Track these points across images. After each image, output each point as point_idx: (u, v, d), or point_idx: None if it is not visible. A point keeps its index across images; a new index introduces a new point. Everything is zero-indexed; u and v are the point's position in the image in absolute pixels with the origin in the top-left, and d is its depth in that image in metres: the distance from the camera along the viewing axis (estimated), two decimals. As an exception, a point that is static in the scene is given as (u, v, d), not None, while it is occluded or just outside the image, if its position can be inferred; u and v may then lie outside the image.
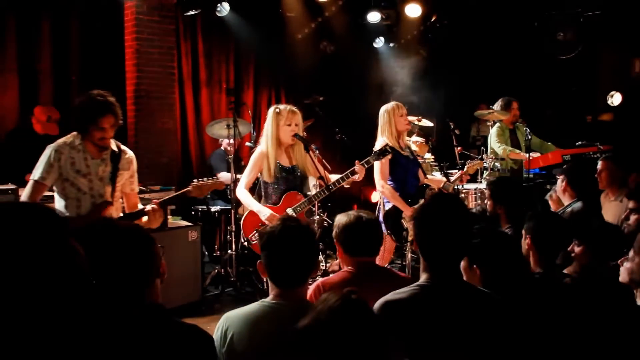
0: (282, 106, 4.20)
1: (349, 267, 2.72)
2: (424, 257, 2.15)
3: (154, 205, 3.47)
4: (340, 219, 2.77)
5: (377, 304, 2.06)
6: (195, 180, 3.63)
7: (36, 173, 3.37)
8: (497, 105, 6.43)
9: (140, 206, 3.69)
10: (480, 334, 2.03)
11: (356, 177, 4.13)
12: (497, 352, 2.03)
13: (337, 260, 5.68)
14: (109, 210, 3.49)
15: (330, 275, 2.96)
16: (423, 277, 2.14)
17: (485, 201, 3.92)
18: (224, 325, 2.10)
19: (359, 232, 2.71)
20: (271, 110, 4.19)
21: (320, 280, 2.74)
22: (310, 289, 2.65)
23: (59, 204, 3.47)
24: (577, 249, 2.84)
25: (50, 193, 3.60)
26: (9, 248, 1.26)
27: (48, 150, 3.41)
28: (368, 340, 1.56)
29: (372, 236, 2.77)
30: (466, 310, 2.05)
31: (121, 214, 3.63)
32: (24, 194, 3.42)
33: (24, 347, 1.26)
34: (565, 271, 2.84)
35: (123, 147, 3.65)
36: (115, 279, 1.75)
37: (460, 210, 2.18)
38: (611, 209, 4.37)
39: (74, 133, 3.47)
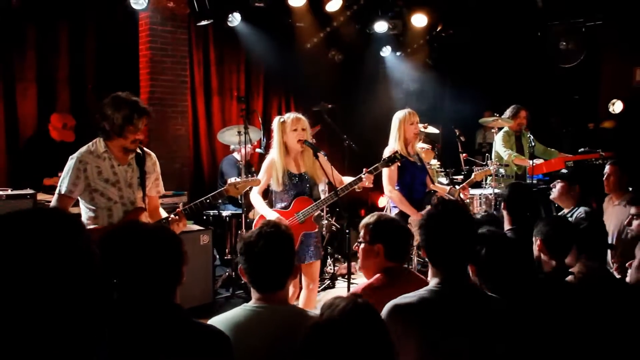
0: (286, 115, 4.25)
1: (379, 274, 2.61)
2: (432, 263, 2.20)
3: (178, 215, 3.38)
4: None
5: (386, 307, 2.08)
6: (231, 179, 3.63)
7: (62, 186, 3.19)
8: (507, 112, 6.52)
9: (161, 211, 3.60)
10: (487, 337, 2.07)
11: (365, 184, 4.19)
12: (503, 355, 2.08)
13: (345, 264, 5.81)
14: (141, 217, 3.34)
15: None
16: (433, 282, 2.17)
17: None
18: None
19: (402, 238, 2.67)
20: (276, 120, 4.25)
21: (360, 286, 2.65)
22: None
23: (87, 214, 3.27)
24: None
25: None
26: (22, 252, 1.26)
27: (72, 161, 3.22)
28: (375, 344, 1.57)
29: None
30: (475, 314, 2.09)
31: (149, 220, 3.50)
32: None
33: (38, 347, 1.26)
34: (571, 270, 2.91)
35: (145, 149, 3.51)
36: (146, 281, 1.81)
37: (463, 215, 2.22)
38: (615, 213, 4.41)
39: (96, 140, 3.28)
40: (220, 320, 2.13)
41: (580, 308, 2.43)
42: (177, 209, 3.42)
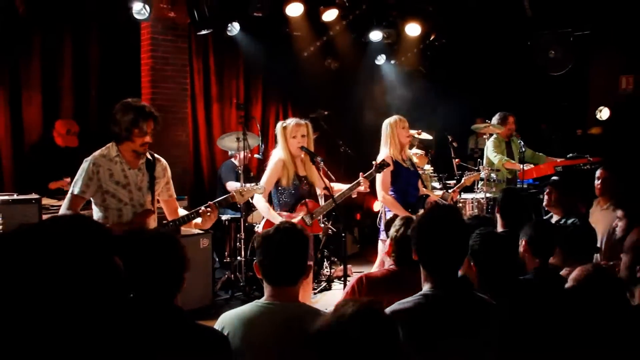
0: (288, 120, 4.37)
1: (392, 266, 2.73)
2: (423, 267, 2.18)
3: (209, 207, 3.48)
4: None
5: None
6: (231, 184, 3.69)
7: (75, 187, 3.35)
8: (494, 119, 6.67)
9: (181, 211, 3.70)
10: (482, 340, 2.10)
11: (361, 189, 4.36)
12: (497, 357, 2.10)
13: (341, 267, 5.95)
14: (149, 219, 3.48)
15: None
16: (426, 286, 2.17)
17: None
18: (220, 324, 2.19)
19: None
20: (279, 125, 4.37)
21: (363, 273, 2.77)
22: (352, 280, 2.74)
23: (97, 215, 3.41)
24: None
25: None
26: (55, 261, 1.25)
27: (86, 164, 3.38)
28: (383, 348, 1.59)
29: None
30: (470, 318, 2.10)
31: (165, 221, 3.63)
32: (63, 207, 3.41)
33: (61, 352, 1.27)
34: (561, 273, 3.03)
35: (156, 155, 3.65)
36: (148, 285, 1.88)
37: (457, 219, 2.22)
38: (602, 217, 4.53)
39: (109, 145, 3.45)
40: (232, 316, 2.19)
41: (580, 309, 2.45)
42: (209, 202, 3.53)
